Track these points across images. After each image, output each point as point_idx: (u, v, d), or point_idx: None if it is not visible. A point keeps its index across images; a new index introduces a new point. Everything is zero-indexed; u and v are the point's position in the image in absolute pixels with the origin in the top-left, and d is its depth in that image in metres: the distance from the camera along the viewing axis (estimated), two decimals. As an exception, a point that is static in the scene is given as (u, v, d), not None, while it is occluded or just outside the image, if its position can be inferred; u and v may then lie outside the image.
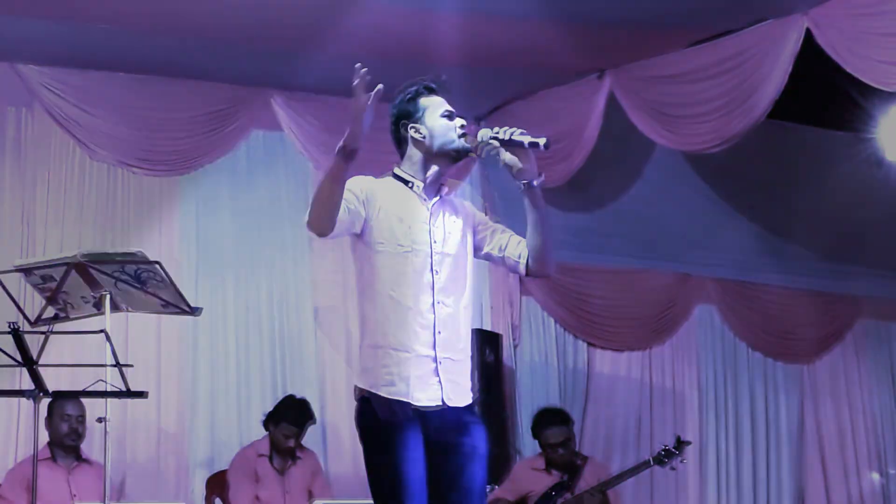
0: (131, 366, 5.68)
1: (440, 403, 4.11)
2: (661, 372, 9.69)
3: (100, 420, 5.88)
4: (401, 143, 4.34)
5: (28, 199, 7.99)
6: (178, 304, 5.94)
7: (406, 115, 4.29)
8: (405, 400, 4.07)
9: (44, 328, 5.82)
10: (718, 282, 9.82)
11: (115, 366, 5.50)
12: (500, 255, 4.34)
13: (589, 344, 9.46)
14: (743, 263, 9.75)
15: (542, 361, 9.25)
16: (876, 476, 10.39)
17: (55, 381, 6.05)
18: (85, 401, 7.06)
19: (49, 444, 7.21)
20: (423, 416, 4.10)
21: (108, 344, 5.49)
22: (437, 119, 4.24)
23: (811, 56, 6.96)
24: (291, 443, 7.79)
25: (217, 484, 7.87)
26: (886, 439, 10.46)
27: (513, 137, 4.10)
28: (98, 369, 5.74)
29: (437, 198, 4.29)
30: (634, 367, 9.59)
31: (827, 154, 9.22)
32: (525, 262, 4.28)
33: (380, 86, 3.91)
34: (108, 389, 5.58)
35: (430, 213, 4.24)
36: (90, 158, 8.02)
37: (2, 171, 7.99)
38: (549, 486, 8.00)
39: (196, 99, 8.13)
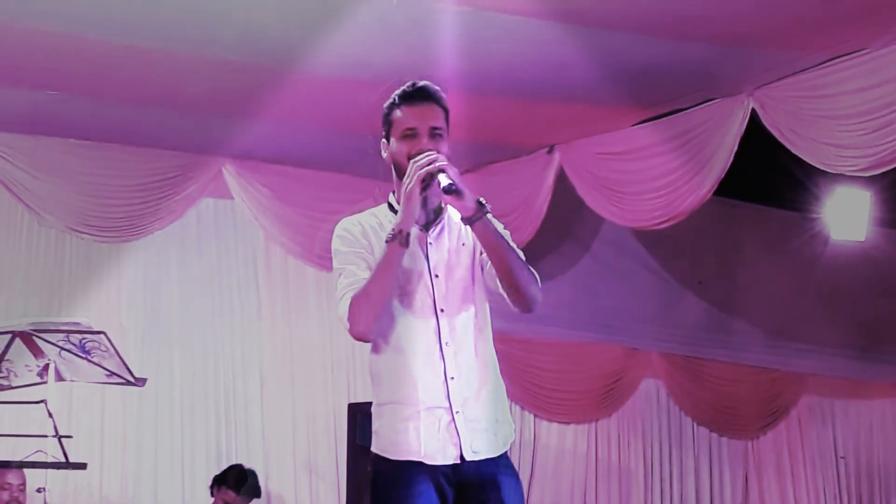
0: (70, 437, 5.63)
1: (458, 461, 3.60)
2: (607, 445, 9.70)
3: (39, 490, 5.83)
4: None
5: (-26, 264, 7.94)
6: (122, 375, 5.91)
7: (382, 132, 3.75)
8: (416, 459, 3.59)
9: (-16, 397, 5.78)
10: (665, 356, 9.87)
11: (54, 436, 5.45)
12: (494, 288, 3.71)
13: (535, 416, 9.46)
14: (689, 338, 9.80)
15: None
16: None
17: (-3, 449, 6.02)
18: (26, 470, 6.98)
19: (-11, 513, 7.15)
20: (442, 475, 3.60)
21: (48, 414, 5.45)
22: (395, 141, 3.68)
23: (758, 135, 7.05)
24: (235, 513, 7.75)
25: (159, 553, 7.81)
26: (829, 516, 10.54)
27: (432, 173, 3.54)
28: (39, 438, 5.70)
29: (438, 224, 3.74)
30: (580, 440, 9.60)
31: (774, 232, 9.33)
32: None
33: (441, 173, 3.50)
34: (48, 460, 5.52)
35: (429, 244, 3.71)
36: (38, 224, 7.99)
37: (-53, 237, 7.96)
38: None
39: (146, 166, 8.12)
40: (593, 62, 6.81)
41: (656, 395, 9.99)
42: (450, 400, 3.62)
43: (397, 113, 3.70)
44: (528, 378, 9.29)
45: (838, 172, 6.88)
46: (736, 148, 7.11)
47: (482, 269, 3.74)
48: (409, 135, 3.66)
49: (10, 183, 7.77)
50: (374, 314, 3.55)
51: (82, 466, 5.68)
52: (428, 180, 3.54)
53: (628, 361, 9.74)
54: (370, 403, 3.80)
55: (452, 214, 3.77)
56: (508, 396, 8.88)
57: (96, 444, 7.95)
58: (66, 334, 5.73)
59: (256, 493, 7.85)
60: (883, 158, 6.45)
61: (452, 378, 3.62)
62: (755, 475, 10.28)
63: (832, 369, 10.37)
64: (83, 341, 5.73)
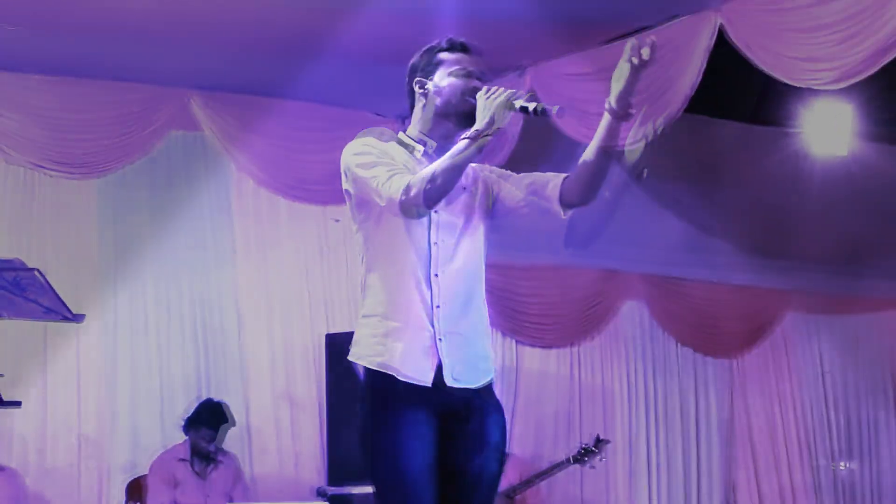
0: (2, 375, 5.63)
1: (437, 383, 3.70)
2: (590, 369, 9.67)
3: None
4: (411, 99, 3.95)
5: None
6: (59, 311, 5.88)
7: (418, 70, 3.89)
8: (389, 373, 3.70)
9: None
10: (646, 277, 9.81)
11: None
12: (534, 199, 3.91)
13: (516, 341, 9.42)
14: (670, 259, 9.69)
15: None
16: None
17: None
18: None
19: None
20: (427, 393, 3.70)
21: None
22: (448, 77, 3.84)
23: (734, 51, 6.94)
24: (211, 447, 7.77)
25: (136, 489, 7.84)
26: (816, 432, 10.51)
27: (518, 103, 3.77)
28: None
29: None
30: (563, 365, 9.57)
31: (752, 148, 9.20)
32: (560, 193, 3.91)
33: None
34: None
35: None
36: (5, 161, 7.90)
37: (-88, 177, 7.89)
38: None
39: (111, 100, 8.01)
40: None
41: (638, 317, 9.95)
42: (434, 325, 3.73)
43: (449, 54, 3.89)
44: (506, 304, 9.21)
45: (806, 86, 6.78)
46: (704, 65, 7.00)
47: (510, 193, 3.95)
48: (466, 74, 3.84)
49: (-29, 121, 7.70)
50: (442, 195, 3.66)
51: (16, 405, 5.68)
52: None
53: (607, 284, 9.67)
54: (349, 333, 3.88)
55: None
56: (489, 322, 8.80)
57: (72, 382, 7.96)
58: (-2, 273, 5.71)
59: (226, 423, 7.89)
60: (851, 70, 6.34)
61: (438, 306, 3.75)
62: (740, 394, 10.26)
63: (816, 285, 10.32)
64: (17, 278, 5.71)
